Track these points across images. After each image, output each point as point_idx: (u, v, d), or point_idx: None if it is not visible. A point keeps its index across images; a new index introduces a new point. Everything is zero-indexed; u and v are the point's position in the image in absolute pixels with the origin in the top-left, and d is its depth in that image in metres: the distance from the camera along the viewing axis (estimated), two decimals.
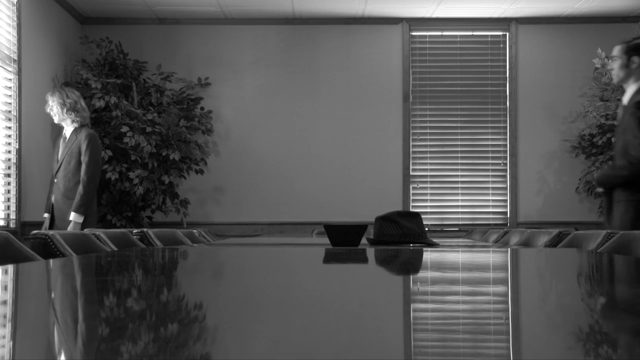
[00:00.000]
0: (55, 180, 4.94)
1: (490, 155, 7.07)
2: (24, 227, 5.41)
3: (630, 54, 3.94)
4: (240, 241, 4.07)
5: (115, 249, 2.62)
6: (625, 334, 0.85)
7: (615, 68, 3.99)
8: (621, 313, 1.03)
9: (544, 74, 6.97)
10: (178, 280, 1.59)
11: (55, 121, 5.08)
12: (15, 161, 5.44)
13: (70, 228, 4.81)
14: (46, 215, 5.01)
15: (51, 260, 2.02)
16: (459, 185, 7.07)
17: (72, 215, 4.83)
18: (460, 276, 1.71)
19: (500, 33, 7.09)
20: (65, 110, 5.01)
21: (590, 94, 6.38)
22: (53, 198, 4.96)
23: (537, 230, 3.70)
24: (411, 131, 7.04)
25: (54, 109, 5.05)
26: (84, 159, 4.93)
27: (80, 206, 4.84)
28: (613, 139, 4.08)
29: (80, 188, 4.87)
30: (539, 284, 1.57)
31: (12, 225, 5.40)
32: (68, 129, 5.06)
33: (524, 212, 6.97)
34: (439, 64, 7.08)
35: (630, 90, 3.96)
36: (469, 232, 5.49)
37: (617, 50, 4.01)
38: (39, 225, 5.06)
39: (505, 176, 7.06)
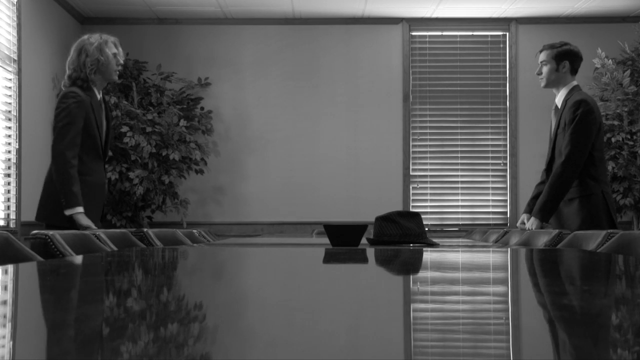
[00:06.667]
0: (107, 166, 3.68)
1: (490, 155, 7.07)
2: (24, 227, 5.41)
3: (559, 59, 3.96)
4: (240, 241, 4.07)
5: (115, 249, 2.62)
6: (626, 334, 0.85)
7: (545, 72, 4.00)
8: (621, 313, 1.03)
9: None
10: (178, 280, 1.59)
11: (114, 79, 3.87)
12: (15, 161, 5.44)
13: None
14: (80, 209, 3.59)
15: (51, 260, 2.02)
16: (459, 185, 7.07)
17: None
18: (460, 276, 1.71)
19: (500, 33, 7.09)
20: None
21: (591, 94, 6.37)
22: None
23: (537, 230, 3.70)
24: (411, 131, 7.04)
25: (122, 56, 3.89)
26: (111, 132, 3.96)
27: None
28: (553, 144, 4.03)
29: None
30: (539, 284, 1.57)
31: (12, 225, 5.40)
32: (98, 89, 3.84)
33: None
34: (439, 64, 7.08)
35: (561, 93, 4.00)
36: (469, 232, 5.48)
37: (546, 55, 4.00)
38: (38, 225, 4.87)
39: (505, 176, 7.06)
